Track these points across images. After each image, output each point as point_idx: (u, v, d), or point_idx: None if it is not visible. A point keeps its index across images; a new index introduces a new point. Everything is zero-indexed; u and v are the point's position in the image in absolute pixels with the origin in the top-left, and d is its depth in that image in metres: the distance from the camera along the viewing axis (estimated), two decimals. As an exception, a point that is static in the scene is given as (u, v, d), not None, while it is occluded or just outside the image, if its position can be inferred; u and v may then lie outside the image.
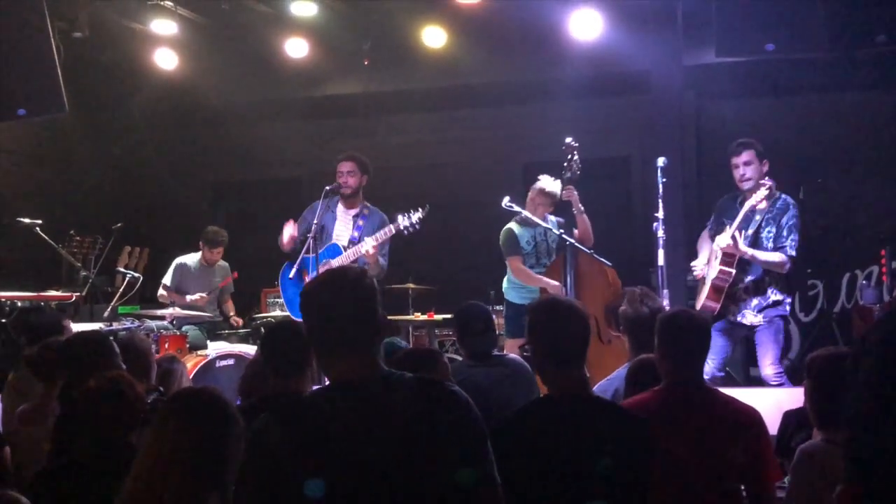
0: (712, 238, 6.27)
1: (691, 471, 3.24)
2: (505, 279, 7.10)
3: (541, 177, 6.92)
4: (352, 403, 2.27)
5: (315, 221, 6.73)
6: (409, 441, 2.23)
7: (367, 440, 2.22)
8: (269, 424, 2.28)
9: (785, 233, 6.00)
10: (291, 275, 6.90)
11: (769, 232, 6.03)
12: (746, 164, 6.12)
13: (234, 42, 9.23)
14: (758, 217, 6.03)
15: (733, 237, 5.87)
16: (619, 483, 2.83)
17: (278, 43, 8.89)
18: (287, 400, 3.12)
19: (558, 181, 6.76)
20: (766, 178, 6.01)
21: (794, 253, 5.99)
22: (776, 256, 5.97)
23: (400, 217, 6.59)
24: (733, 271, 5.95)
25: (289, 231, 6.92)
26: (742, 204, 6.10)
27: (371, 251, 6.59)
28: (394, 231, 6.63)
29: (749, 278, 6.07)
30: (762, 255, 5.96)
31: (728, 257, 5.96)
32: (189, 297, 8.11)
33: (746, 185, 6.12)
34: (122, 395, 3.24)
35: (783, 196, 6.10)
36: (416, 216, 6.53)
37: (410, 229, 6.56)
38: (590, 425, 2.91)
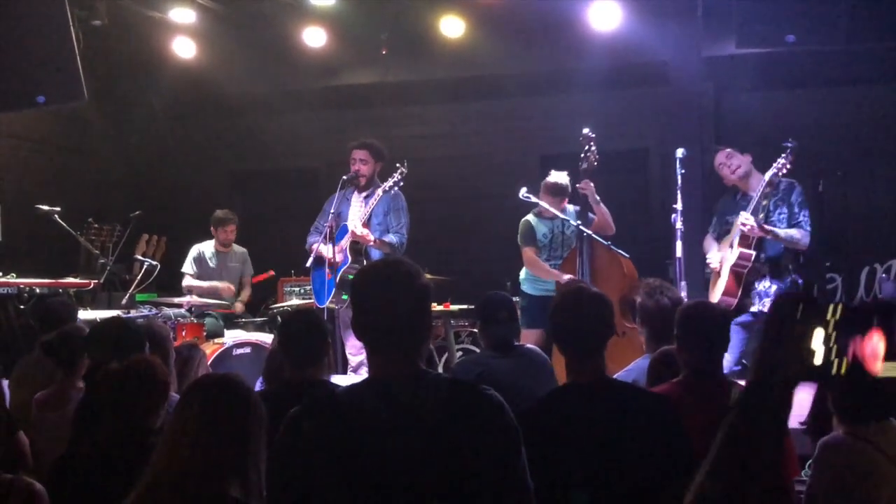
0: (717, 240, 6.26)
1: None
2: (522, 270, 7.09)
3: (551, 173, 6.96)
4: (383, 401, 2.25)
5: (332, 210, 6.78)
6: (436, 443, 2.21)
7: (393, 439, 2.20)
8: (301, 416, 2.28)
9: (797, 209, 6.00)
10: (308, 263, 6.95)
11: (780, 213, 6.01)
12: (729, 156, 6.17)
13: (252, 31, 9.24)
14: (765, 202, 5.99)
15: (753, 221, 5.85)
16: (647, 464, 2.84)
17: (296, 32, 8.90)
18: (320, 392, 3.11)
19: (562, 172, 6.86)
20: (785, 156, 5.90)
21: (809, 228, 5.98)
22: (796, 232, 5.95)
23: (385, 183, 6.75)
24: (753, 252, 5.92)
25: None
26: (742, 198, 6.13)
27: (363, 233, 6.61)
28: (380, 194, 6.70)
29: (766, 263, 6.02)
30: (782, 233, 5.92)
31: (745, 240, 5.93)
32: (216, 284, 8.12)
33: (740, 174, 6.14)
34: (146, 377, 3.24)
35: (784, 178, 6.08)
36: (396, 175, 6.68)
37: (395, 187, 6.70)
38: (614, 408, 2.92)
